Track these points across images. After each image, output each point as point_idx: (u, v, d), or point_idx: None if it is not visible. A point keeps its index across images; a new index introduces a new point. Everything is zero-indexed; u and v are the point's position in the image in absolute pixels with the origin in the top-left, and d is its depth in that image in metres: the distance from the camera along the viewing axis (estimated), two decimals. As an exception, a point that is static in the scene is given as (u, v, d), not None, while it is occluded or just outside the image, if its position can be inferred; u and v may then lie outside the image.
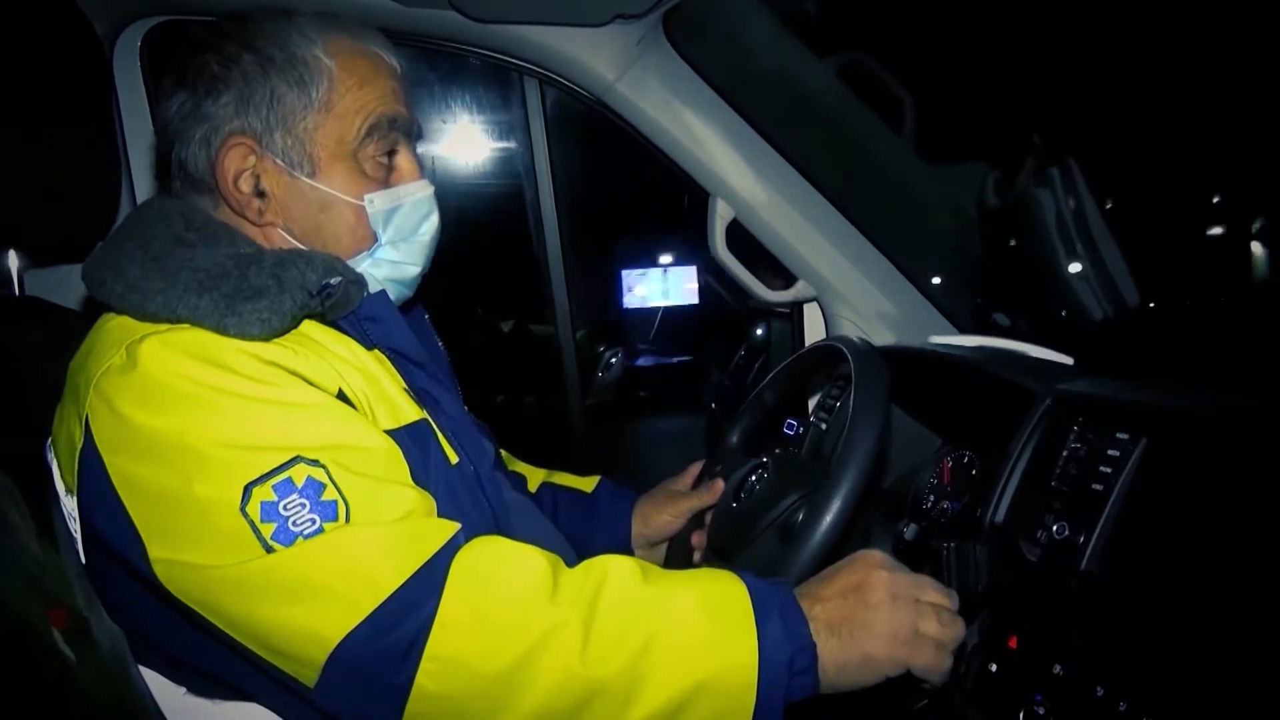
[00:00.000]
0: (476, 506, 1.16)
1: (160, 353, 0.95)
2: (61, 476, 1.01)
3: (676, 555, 1.55)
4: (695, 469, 1.62)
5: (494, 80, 3.22)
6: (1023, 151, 1.97)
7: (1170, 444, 1.00)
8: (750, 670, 0.91)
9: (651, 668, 0.90)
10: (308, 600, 0.88)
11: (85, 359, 1.01)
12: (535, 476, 1.63)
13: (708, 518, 1.50)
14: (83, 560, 0.99)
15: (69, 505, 0.99)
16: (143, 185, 1.74)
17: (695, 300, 4.10)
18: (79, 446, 0.95)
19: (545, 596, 0.93)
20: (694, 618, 0.93)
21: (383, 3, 1.62)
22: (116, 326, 1.01)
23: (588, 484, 1.62)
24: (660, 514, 1.55)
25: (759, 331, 2.67)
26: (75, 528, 0.99)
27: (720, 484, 1.48)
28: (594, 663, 0.89)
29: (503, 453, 1.60)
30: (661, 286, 4.32)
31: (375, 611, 0.88)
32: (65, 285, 1.56)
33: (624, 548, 1.56)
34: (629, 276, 4.25)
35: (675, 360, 4.13)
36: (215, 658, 0.95)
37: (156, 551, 0.91)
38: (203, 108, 1.10)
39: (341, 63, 1.12)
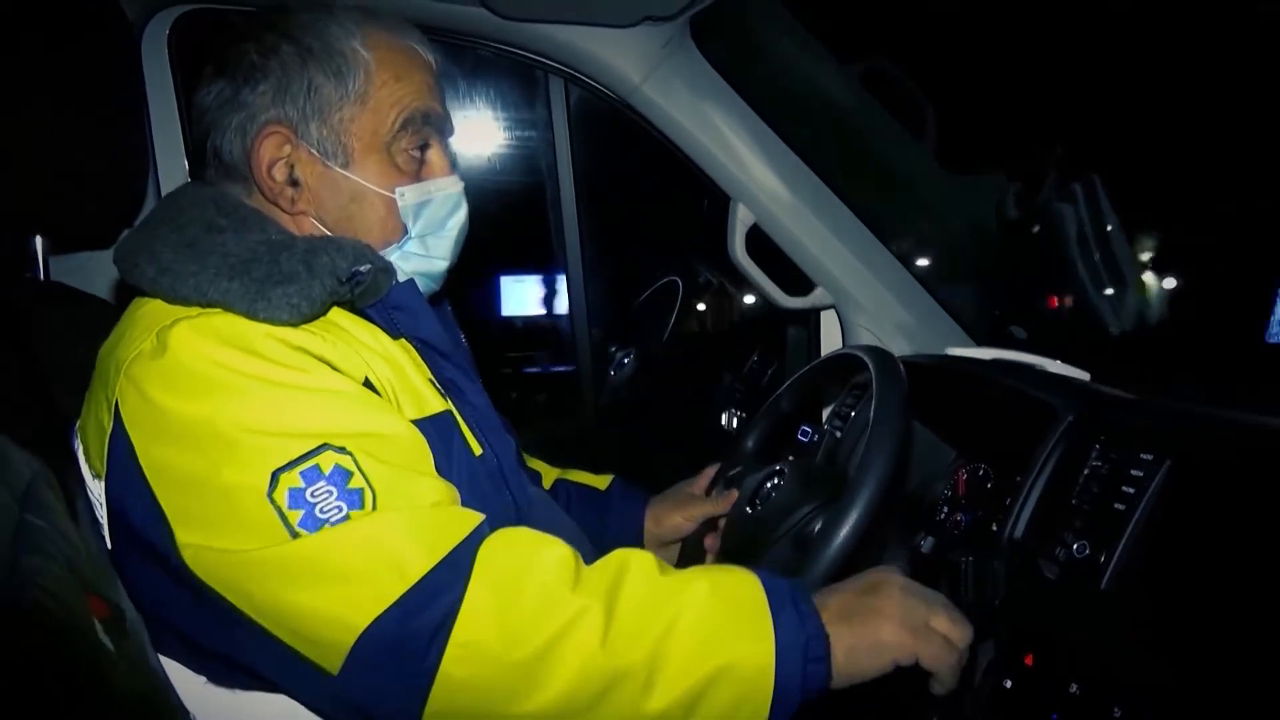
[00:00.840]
0: (499, 498, 1.16)
1: (190, 338, 0.96)
2: (89, 461, 1.01)
3: (689, 557, 1.55)
4: (711, 471, 1.62)
5: (516, 76, 3.22)
6: (1045, 164, 1.97)
7: (1195, 467, 0.99)
8: (767, 655, 0.92)
9: (670, 654, 0.91)
10: (335, 585, 0.89)
11: (116, 344, 1.02)
12: (549, 474, 1.64)
13: (721, 523, 1.50)
14: (108, 545, 1.00)
15: (96, 490, 1.00)
16: (167, 173, 1.74)
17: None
18: (108, 431, 0.96)
19: (568, 585, 0.94)
20: (711, 606, 0.95)
21: (411, -2, 1.62)
22: (149, 312, 1.02)
23: (601, 482, 1.63)
24: (673, 515, 1.56)
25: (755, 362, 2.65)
26: (102, 513, 1.00)
27: (734, 494, 1.48)
28: (615, 650, 0.90)
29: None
30: (540, 294, 4.15)
31: (402, 597, 0.88)
32: (90, 271, 1.57)
33: (635, 546, 1.53)
34: (507, 283, 4.10)
35: (555, 369, 4.01)
36: (238, 645, 0.95)
37: (184, 536, 0.91)
38: (240, 96, 1.11)
39: (379, 56, 1.13)
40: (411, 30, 1.19)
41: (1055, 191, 1.96)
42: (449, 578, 0.91)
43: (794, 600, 0.97)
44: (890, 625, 0.98)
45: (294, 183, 1.13)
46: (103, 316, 1.19)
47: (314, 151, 1.12)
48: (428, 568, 0.90)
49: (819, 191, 1.91)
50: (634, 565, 0.98)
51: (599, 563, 1.00)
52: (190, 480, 0.92)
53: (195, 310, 0.99)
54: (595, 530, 1.52)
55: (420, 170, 1.19)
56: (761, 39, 1.99)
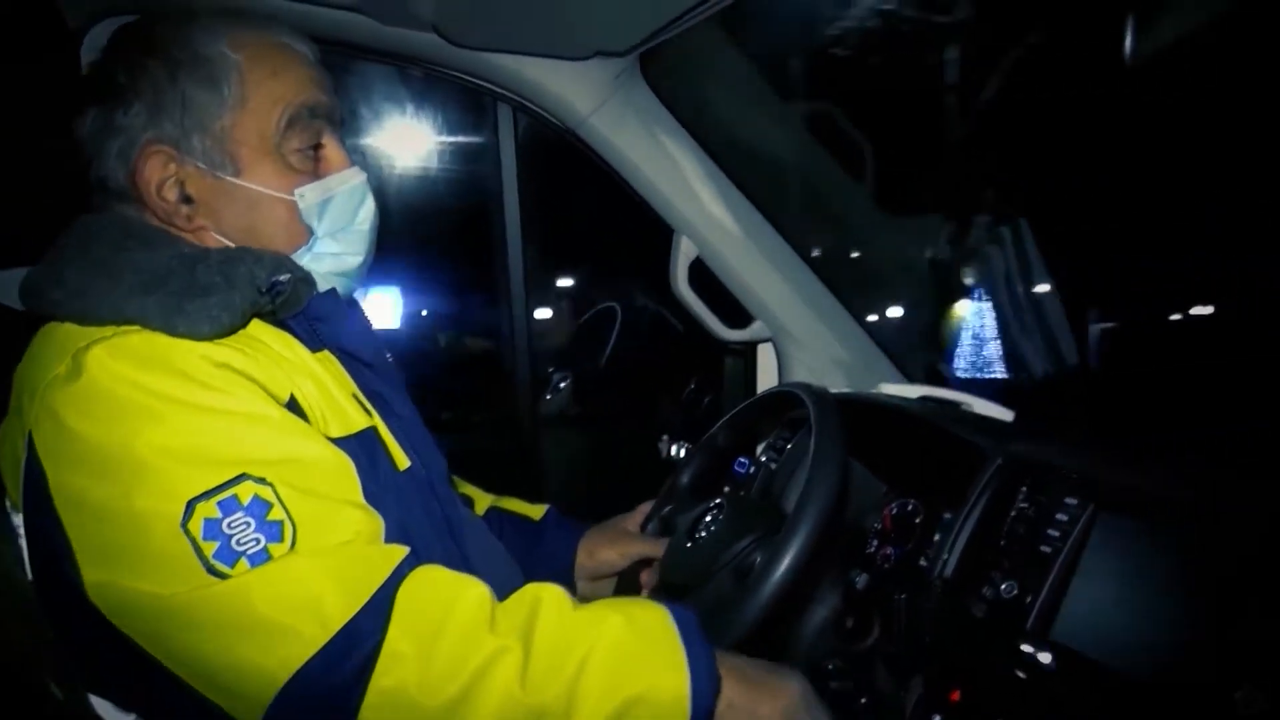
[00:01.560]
0: (428, 514, 1.15)
1: (107, 360, 0.92)
2: (8, 494, 0.98)
3: (624, 591, 1.56)
4: (646, 508, 1.62)
5: (462, 100, 3.22)
6: (977, 209, 2.05)
7: (1117, 512, 1.04)
8: (682, 684, 0.93)
9: (588, 687, 0.91)
10: (256, 636, 0.86)
11: (28, 370, 0.98)
12: (483, 501, 1.62)
13: (655, 560, 1.52)
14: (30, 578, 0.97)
15: (17, 522, 0.97)
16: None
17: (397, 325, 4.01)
18: (22, 461, 0.93)
19: (485, 625, 0.93)
20: (623, 636, 0.95)
21: (360, 20, 1.61)
22: (61, 335, 0.98)
23: (536, 511, 1.62)
24: (607, 551, 1.55)
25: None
26: (24, 545, 0.97)
27: (665, 541, 1.47)
28: (533, 689, 0.89)
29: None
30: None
31: (324, 647, 0.86)
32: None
33: (566, 577, 1.55)
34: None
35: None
36: (154, 690, 0.92)
37: (92, 573, 0.88)
38: (114, 120, 1.07)
39: (249, 55, 1.10)
40: (279, 24, 1.16)
41: (985, 235, 2.03)
42: (369, 625, 0.88)
43: (698, 630, 0.98)
44: (770, 705, 0.99)
45: (187, 199, 1.10)
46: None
47: (200, 165, 1.09)
48: (349, 615, 0.88)
49: (761, 227, 1.95)
50: (546, 601, 0.98)
51: (512, 600, 0.98)
52: (101, 510, 0.89)
53: (110, 330, 0.95)
54: (526, 561, 1.50)
55: (317, 167, 1.16)
56: (710, 77, 2.04)
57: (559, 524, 1.60)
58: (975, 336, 2.12)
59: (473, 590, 0.96)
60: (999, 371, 2.06)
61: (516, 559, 1.45)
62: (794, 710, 1.00)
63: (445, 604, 0.93)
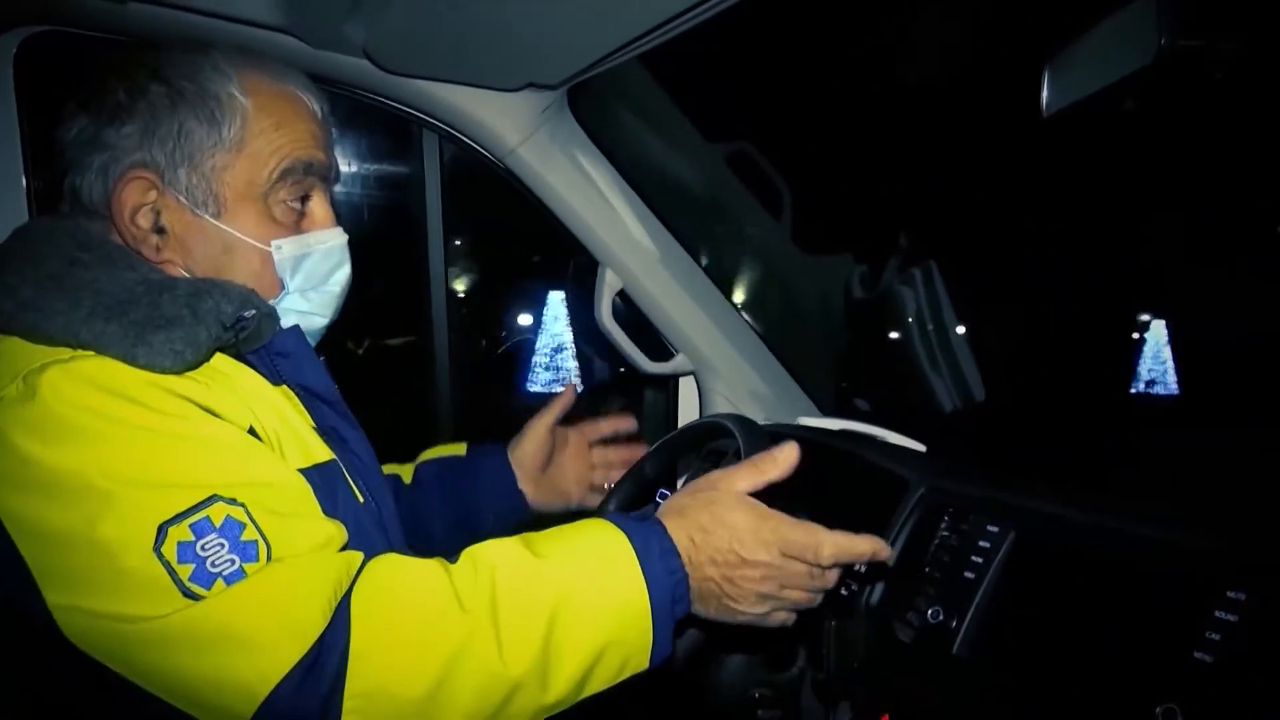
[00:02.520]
0: (379, 546, 1.13)
1: (63, 383, 0.89)
2: None
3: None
4: (556, 407, 1.65)
5: (385, 127, 3.19)
6: (889, 250, 2.13)
7: (1036, 539, 1.09)
8: (644, 618, 0.97)
9: (560, 646, 0.93)
10: (233, 651, 0.85)
11: None
12: (406, 468, 1.61)
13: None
14: None
15: None
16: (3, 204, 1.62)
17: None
18: None
19: (451, 606, 0.92)
20: (586, 585, 0.96)
21: (290, 42, 1.59)
22: (7, 352, 0.94)
23: (459, 448, 1.63)
24: (528, 446, 1.60)
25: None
26: None
27: (571, 390, 1.57)
28: (511, 660, 0.91)
29: None
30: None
31: (302, 658, 0.85)
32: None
33: (514, 495, 1.58)
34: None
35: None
36: (115, 711, 0.89)
37: (55, 597, 0.85)
38: (104, 135, 1.05)
39: (258, 102, 1.09)
40: (295, 75, 1.16)
41: (897, 275, 2.11)
42: (332, 633, 0.88)
43: (660, 549, 0.99)
44: (739, 616, 1.04)
45: (159, 230, 1.07)
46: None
47: (182, 199, 1.07)
48: (324, 623, 0.87)
49: (683, 261, 1.98)
50: (503, 563, 0.97)
51: (468, 568, 0.96)
52: (63, 537, 0.86)
53: (66, 353, 0.92)
54: (471, 499, 1.54)
55: (300, 221, 1.15)
56: (634, 113, 2.07)
57: (483, 450, 1.62)
58: (886, 372, 2.19)
59: (427, 571, 0.96)
60: (909, 407, 2.13)
61: (463, 500, 1.51)
62: (758, 615, 1.05)
63: (402, 592, 0.93)
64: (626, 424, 1.69)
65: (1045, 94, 1.06)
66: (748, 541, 1.02)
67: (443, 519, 1.55)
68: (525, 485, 1.60)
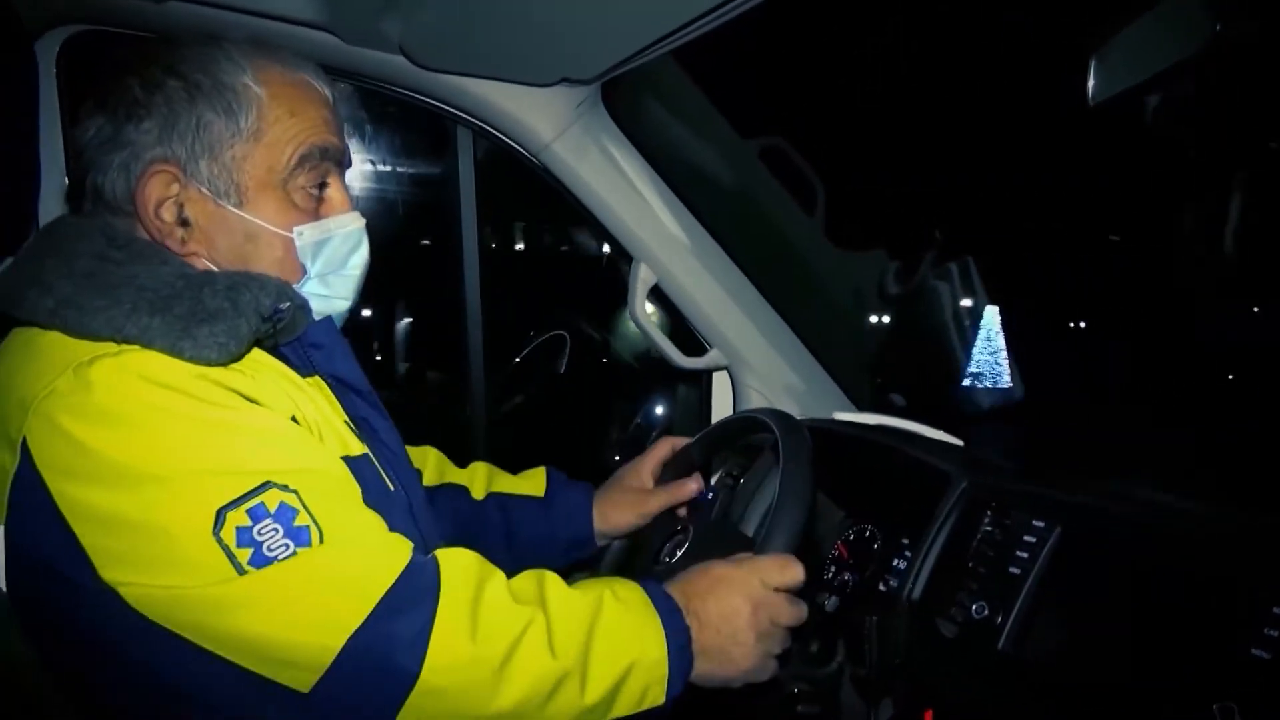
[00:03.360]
0: (410, 536, 1.14)
1: (114, 376, 0.91)
2: None
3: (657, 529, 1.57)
4: (659, 454, 1.64)
5: (417, 124, 3.21)
6: (924, 245, 2.11)
7: (1083, 535, 1.08)
8: (661, 648, 1.04)
9: (597, 655, 1.00)
10: (300, 609, 0.89)
11: (11, 380, 0.95)
12: (476, 482, 1.62)
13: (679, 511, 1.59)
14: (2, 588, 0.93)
15: None
16: (46, 199, 1.64)
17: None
18: (10, 473, 0.90)
19: (511, 597, 1.00)
20: (616, 610, 1.04)
21: (327, 38, 1.60)
22: (50, 345, 0.96)
23: (537, 484, 1.63)
24: (623, 514, 1.59)
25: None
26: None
27: (693, 484, 1.56)
28: (560, 653, 0.97)
29: (438, 458, 1.63)
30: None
31: (368, 617, 0.90)
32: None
33: (587, 544, 1.60)
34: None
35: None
36: (184, 675, 0.91)
37: (114, 575, 0.87)
38: (123, 133, 1.06)
39: (271, 91, 1.10)
40: (305, 63, 1.17)
41: (932, 270, 2.10)
42: (415, 593, 0.94)
43: (667, 605, 1.07)
44: (737, 671, 1.10)
45: (184, 222, 1.09)
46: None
47: (204, 190, 1.08)
48: (386, 587, 0.92)
49: (717, 256, 1.98)
50: (549, 578, 1.05)
51: (519, 577, 1.05)
52: (123, 522, 0.88)
53: (112, 347, 0.94)
54: (545, 537, 1.57)
55: (319, 207, 1.16)
56: (668, 108, 2.07)
57: (565, 489, 1.62)
58: (923, 368, 2.17)
59: (490, 567, 1.04)
60: (946, 402, 2.11)
61: (534, 538, 1.55)
62: (757, 666, 1.11)
63: (478, 577, 1.00)
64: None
65: (1091, 83, 1.04)
66: (732, 591, 1.10)
67: (504, 556, 1.55)
68: (599, 540, 1.61)
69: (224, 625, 0.88)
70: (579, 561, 1.63)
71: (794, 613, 1.14)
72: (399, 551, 0.99)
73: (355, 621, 0.90)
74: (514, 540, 1.56)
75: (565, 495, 1.61)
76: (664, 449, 1.65)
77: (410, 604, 0.93)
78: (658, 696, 1.03)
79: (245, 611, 0.88)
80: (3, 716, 0.69)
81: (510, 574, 1.05)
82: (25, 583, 0.93)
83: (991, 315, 1.99)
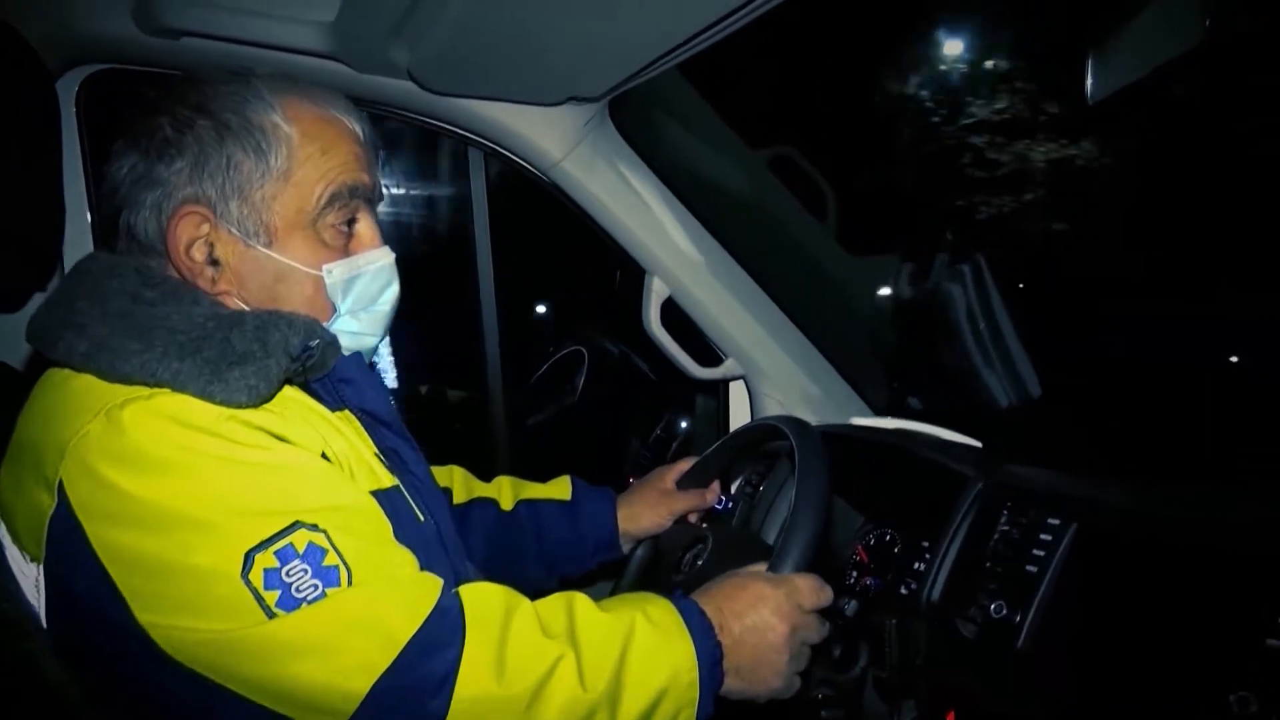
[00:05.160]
0: (441, 566, 1.16)
1: (146, 420, 0.92)
2: (19, 543, 0.96)
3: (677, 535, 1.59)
4: (681, 466, 1.67)
5: (427, 144, 3.25)
6: (936, 248, 2.12)
7: (1099, 531, 1.08)
8: (692, 671, 1.03)
9: (629, 683, 1.00)
10: (327, 656, 0.90)
11: (47, 422, 0.97)
12: (503, 494, 1.64)
13: (691, 516, 1.63)
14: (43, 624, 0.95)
15: (29, 572, 0.95)
16: (71, 237, 1.67)
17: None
18: (48, 514, 0.91)
19: (540, 632, 1.00)
20: (648, 635, 1.04)
21: (338, 68, 1.63)
22: (83, 389, 0.97)
23: (563, 490, 1.65)
24: (649, 514, 1.61)
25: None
26: (37, 596, 0.95)
27: (716, 487, 1.60)
28: (591, 685, 0.97)
29: (463, 476, 1.65)
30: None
31: (397, 659, 0.91)
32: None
33: (613, 546, 1.62)
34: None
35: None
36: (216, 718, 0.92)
37: (149, 617, 0.89)
38: (155, 172, 1.07)
39: (302, 129, 1.10)
40: (338, 99, 1.16)
41: (945, 273, 2.09)
42: (442, 635, 0.94)
43: (700, 623, 1.07)
44: (767, 687, 1.11)
45: (214, 262, 1.09)
46: (8, 381, 1.14)
47: (234, 231, 1.08)
48: (414, 630, 0.93)
49: (730, 267, 1.99)
50: (578, 603, 1.05)
51: (548, 604, 1.05)
52: (156, 564, 0.89)
53: (144, 390, 0.95)
54: (572, 542, 1.58)
55: (348, 244, 1.16)
56: (675, 122, 2.08)
57: (590, 495, 1.65)
58: (939, 370, 2.17)
59: (517, 599, 1.04)
60: (963, 404, 2.11)
61: (561, 543, 1.56)
62: (787, 681, 1.12)
63: (504, 614, 1.00)
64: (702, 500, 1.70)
65: (1089, 82, 1.05)
66: (765, 611, 1.11)
67: (537, 562, 1.59)
68: (624, 541, 1.63)
69: (252, 670, 0.89)
70: (605, 564, 1.65)
71: (823, 633, 1.16)
72: (427, 592, 0.99)
73: (383, 665, 0.90)
74: (544, 545, 1.58)
75: (590, 498, 1.64)
76: (686, 462, 1.67)
77: (437, 647, 0.93)
78: (689, 717, 1.04)
79: (272, 656, 0.89)
80: None
81: (543, 580, 1.06)
82: (64, 621, 0.94)
83: (1006, 316, 1.99)
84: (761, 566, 1.18)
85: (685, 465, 1.66)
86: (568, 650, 0.98)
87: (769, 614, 1.10)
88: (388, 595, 0.95)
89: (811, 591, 1.14)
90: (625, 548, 1.63)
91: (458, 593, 1.02)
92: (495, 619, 0.99)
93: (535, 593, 1.08)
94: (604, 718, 0.98)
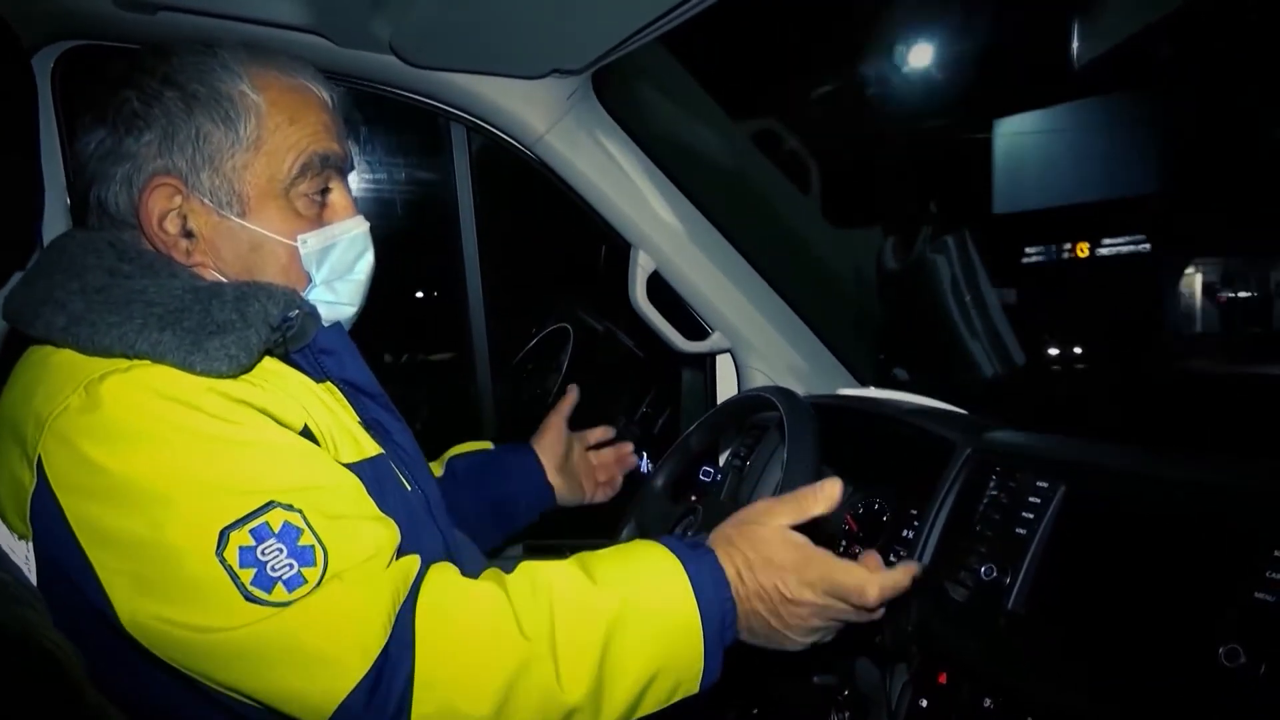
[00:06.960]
0: (430, 534, 1.16)
1: (125, 392, 0.92)
2: (6, 520, 0.96)
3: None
4: (563, 407, 1.76)
5: (413, 120, 3.21)
6: (920, 219, 2.12)
7: (1087, 492, 1.09)
8: (697, 644, 1.00)
9: (614, 671, 0.96)
10: (299, 666, 0.88)
11: (28, 397, 0.96)
12: (435, 463, 1.65)
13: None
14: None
15: (19, 549, 0.94)
16: (48, 214, 1.65)
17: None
18: (30, 490, 0.91)
19: (512, 629, 0.94)
20: (641, 610, 0.99)
21: (318, 42, 1.61)
22: (63, 363, 0.97)
23: (485, 445, 1.69)
24: (551, 442, 1.70)
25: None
26: (30, 570, 0.94)
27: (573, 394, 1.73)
28: (568, 686, 0.93)
29: None
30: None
31: (367, 674, 0.88)
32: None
33: (544, 488, 1.67)
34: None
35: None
36: (185, 708, 0.93)
37: (123, 601, 0.88)
38: (124, 146, 1.06)
39: (270, 98, 1.10)
40: (304, 67, 1.16)
41: (929, 244, 2.10)
42: (397, 650, 0.90)
43: (712, 578, 1.02)
44: (786, 644, 1.07)
45: (188, 234, 1.09)
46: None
47: (206, 201, 1.08)
48: (385, 638, 0.90)
49: (715, 240, 1.99)
50: (560, 586, 0.99)
51: (526, 587, 0.99)
52: (130, 542, 0.89)
53: (124, 363, 0.94)
54: (505, 493, 1.61)
55: (322, 213, 1.15)
56: (659, 95, 2.08)
57: (511, 449, 1.69)
58: (924, 341, 2.18)
59: (488, 591, 0.98)
60: (948, 373, 2.12)
61: (496, 495, 1.58)
62: (805, 640, 1.07)
63: (465, 612, 0.96)
64: (607, 433, 1.85)
65: (1075, 45, 1.05)
66: (792, 583, 1.03)
67: (476, 510, 1.58)
68: (552, 479, 1.67)
69: (226, 671, 0.89)
70: (591, 532, 1.71)
71: (857, 619, 1.07)
72: (399, 581, 0.95)
73: (345, 687, 0.88)
74: (480, 493, 1.60)
75: (512, 450, 1.69)
76: (571, 397, 1.77)
77: (398, 661, 0.90)
78: (691, 688, 1.01)
79: (244, 660, 0.88)
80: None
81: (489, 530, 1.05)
82: (53, 593, 0.94)
83: (990, 286, 2.00)
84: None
85: (567, 404, 1.75)
86: (541, 649, 0.94)
87: (809, 592, 1.03)
88: (359, 590, 0.92)
89: (859, 592, 1.03)
90: (556, 479, 1.68)
91: (435, 582, 0.99)
92: (455, 617, 0.95)
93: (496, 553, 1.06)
94: (587, 714, 0.95)
